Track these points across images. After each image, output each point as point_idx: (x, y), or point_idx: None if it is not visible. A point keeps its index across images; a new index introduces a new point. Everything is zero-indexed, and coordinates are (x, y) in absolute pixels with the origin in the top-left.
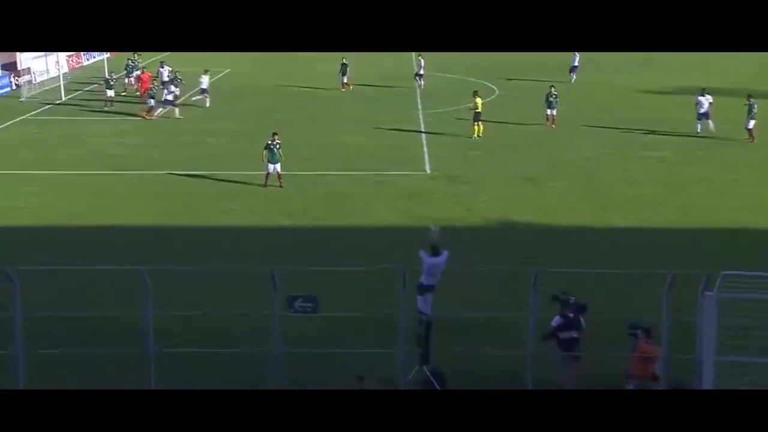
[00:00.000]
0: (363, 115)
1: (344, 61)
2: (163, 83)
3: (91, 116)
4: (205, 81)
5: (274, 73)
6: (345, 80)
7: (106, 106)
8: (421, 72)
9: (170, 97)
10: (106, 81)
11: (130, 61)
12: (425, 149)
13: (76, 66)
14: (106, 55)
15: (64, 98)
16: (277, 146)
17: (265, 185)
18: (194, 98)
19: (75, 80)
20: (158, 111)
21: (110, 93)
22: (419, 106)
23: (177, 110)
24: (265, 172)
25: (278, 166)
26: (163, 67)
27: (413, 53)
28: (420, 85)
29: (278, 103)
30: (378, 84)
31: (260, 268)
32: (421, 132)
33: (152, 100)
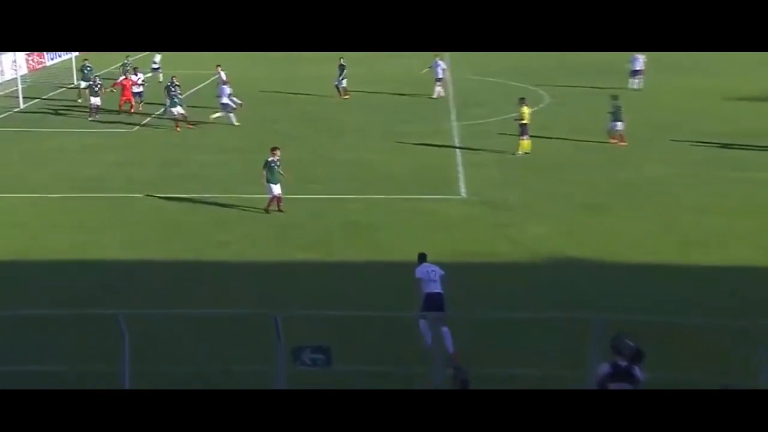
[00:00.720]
0: (383, 127)
1: (342, 62)
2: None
3: (56, 128)
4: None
5: (272, 77)
6: (344, 85)
7: (91, 116)
8: (440, 76)
9: (225, 100)
10: (90, 87)
11: (87, 63)
12: (460, 168)
13: (38, 66)
14: (74, 54)
15: (22, 105)
16: (277, 164)
17: (267, 210)
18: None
19: (36, 84)
20: (226, 116)
21: (95, 101)
22: (452, 117)
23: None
24: (269, 196)
25: (278, 188)
26: (137, 74)
27: (440, 53)
28: (438, 94)
29: (279, 111)
30: (398, 91)
31: (261, 311)
32: (455, 147)
33: (177, 109)
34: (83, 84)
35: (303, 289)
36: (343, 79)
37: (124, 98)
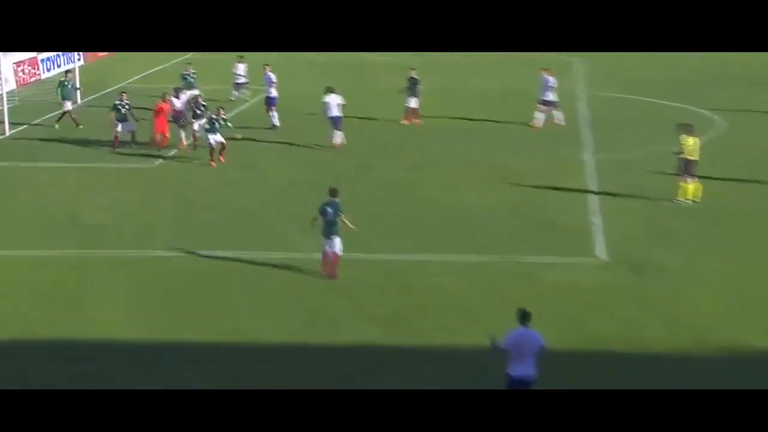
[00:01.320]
0: (483, 159)
1: (413, 74)
2: (178, 114)
3: (53, 161)
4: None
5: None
6: (413, 105)
7: (116, 147)
8: (549, 98)
9: (336, 112)
10: (116, 109)
11: (69, 76)
12: (596, 219)
13: (30, 80)
14: (78, 63)
15: (9, 132)
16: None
17: (325, 273)
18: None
19: (28, 102)
20: (334, 134)
21: (122, 128)
22: (580, 149)
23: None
24: (334, 253)
25: (337, 243)
26: (184, 93)
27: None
28: (553, 117)
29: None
30: (504, 115)
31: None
32: (587, 192)
33: (216, 137)
34: (68, 105)
35: (373, 375)
36: (412, 97)
37: (159, 130)
